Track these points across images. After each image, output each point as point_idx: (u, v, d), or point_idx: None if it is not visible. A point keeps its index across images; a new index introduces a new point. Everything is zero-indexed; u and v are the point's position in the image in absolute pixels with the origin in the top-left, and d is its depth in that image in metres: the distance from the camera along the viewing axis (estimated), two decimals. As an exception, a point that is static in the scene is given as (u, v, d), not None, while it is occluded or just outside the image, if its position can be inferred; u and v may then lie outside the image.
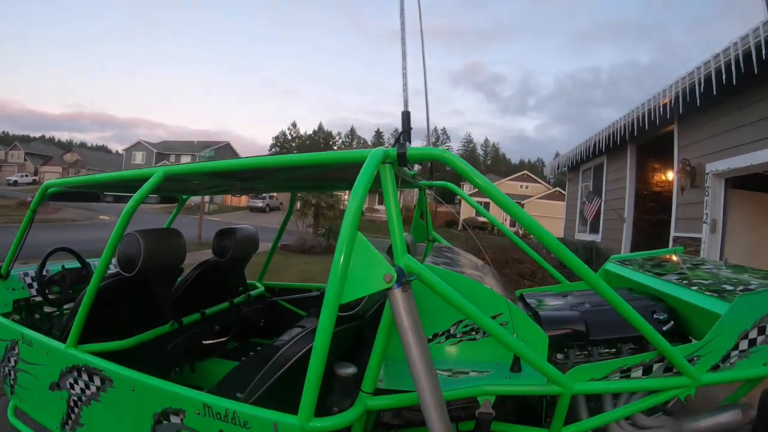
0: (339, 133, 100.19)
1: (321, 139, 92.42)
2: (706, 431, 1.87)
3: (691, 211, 5.99)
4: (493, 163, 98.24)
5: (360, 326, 1.97)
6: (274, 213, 36.62)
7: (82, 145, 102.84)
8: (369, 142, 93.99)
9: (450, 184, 3.16)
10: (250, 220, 25.86)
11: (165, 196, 3.71)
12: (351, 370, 1.60)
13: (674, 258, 2.91)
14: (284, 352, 1.76)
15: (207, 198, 40.31)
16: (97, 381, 1.89)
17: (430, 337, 1.83)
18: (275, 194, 40.45)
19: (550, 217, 30.77)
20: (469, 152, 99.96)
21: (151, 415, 1.70)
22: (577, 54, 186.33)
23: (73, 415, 2.04)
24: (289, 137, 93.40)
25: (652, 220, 7.87)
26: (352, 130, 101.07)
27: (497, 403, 1.73)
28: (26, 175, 52.94)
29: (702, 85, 5.11)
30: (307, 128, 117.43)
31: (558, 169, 11.33)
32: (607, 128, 7.82)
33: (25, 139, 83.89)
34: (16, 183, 48.04)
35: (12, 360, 2.36)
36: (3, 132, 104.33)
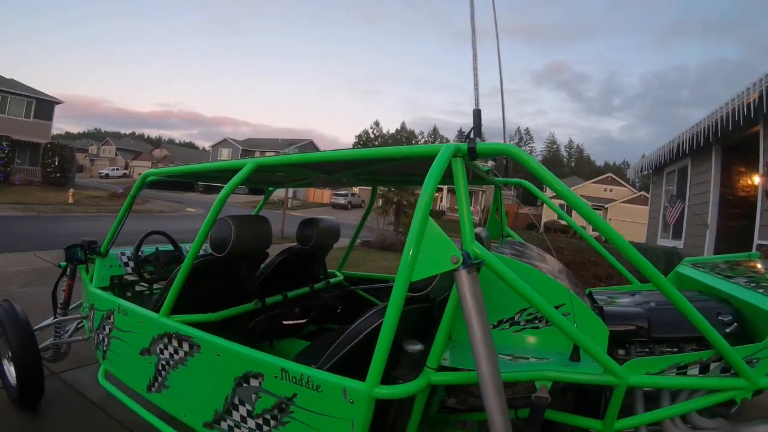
0: (422, 133, 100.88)
1: (404, 138, 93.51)
2: None
3: (777, 218, 5.62)
4: (578, 164, 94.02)
5: (430, 308, 2.05)
6: (355, 210, 37.56)
7: (170, 141, 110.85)
8: (452, 142, 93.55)
9: (526, 182, 3.20)
10: (332, 215, 26.78)
11: (252, 187, 4.08)
12: (418, 347, 1.68)
13: (749, 262, 2.82)
14: (356, 326, 1.86)
15: (290, 194, 42.15)
16: (185, 347, 2.15)
17: (495, 323, 1.92)
18: (357, 192, 41.47)
19: (634, 222, 29.18)
20: (552, 153, 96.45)
21: (233, 379, 1.92)
22: (663, 52, 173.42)
23: (160, 378, 2.33)
24: (372, 136, 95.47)
25: (737, 227, 7.39)
26: (435, 130, 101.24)
27: (558, 393, 1.85)
28: (117, 169, 57.61)
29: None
30: (389, 127, 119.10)
31: (641, 171, 10.84)
32: (691, 129, 7.45)
33: (117, 136, 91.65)
34: (107, 176, 52.39)
35: (107, 328, 2.76)
36: (95, 128, 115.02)
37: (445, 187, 42.72)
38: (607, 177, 47.36)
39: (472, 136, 1.69)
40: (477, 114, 1.75)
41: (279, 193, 37.47)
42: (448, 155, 1.59)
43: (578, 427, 1.88)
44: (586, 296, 2.33)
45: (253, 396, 1.86)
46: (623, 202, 38.97)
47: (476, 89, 1.74)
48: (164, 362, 2.28)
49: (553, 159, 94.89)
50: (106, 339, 2.79)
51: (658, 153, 9.11)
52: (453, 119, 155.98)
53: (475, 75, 1.77)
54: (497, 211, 3.33)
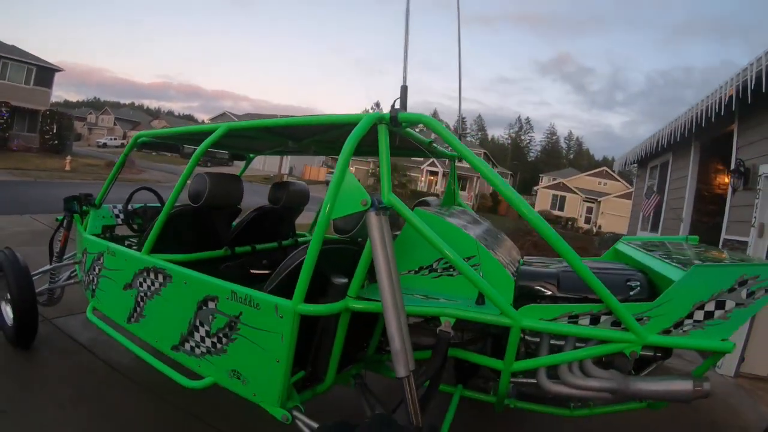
0: None
1: None
2: (653, 394, 2.00)
3: (742, 213, 5.91)
4: (576, 157, 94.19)
5: (356, 250, 2.28)
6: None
7: (170, 113, 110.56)
8: (451, 126, 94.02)
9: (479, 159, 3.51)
10: (322, 193, 26.86)
11: (232, 152, 4.41)
12: (343, 280, 2.00)
13: (682, 244, 3.04)
14: (290, 258, 2.19)
15: (286, 171, 42.37)
16: (160, 278, 2.50)
17: (416, 269, 2.23)
18: (353, 171, 41.66)
19: (626, 216, 29.63)
20: (552, 144, 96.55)
21: (195, 303, 2.28)
22: (670, 50, 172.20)
23: (138, 309, 2.69)
24: None
25: (711, 223, 7.69)
26: (435, 113, 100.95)
27: (476, 338, 2.12)
28: (115, 139, 57.25)
29: (763, 81, 5.02)
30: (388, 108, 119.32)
31: (626, 164, 11.13)
32: (671, 124, 7.69)
33: (116, 105, 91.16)
34: (105, 145, 52.05)
35: (97, 269, 3.12)
36: (95, 97, 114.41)
37: (440, 171, 43.08)
38: (602, 171, 47.69)
39: (396, 106, 1.96)
40: (404, 90, 2.00)
41: (271, 168, 37.45)
42: (369, 122, 1.94)
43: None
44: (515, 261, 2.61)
45: (210, 317, 2.22)
46: (616, 196, 39.30)
47: (405, 68, 2.00)
48: (142, 294, 2.64)
49: (552, 150, 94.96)
50: (95, 279, 3.14)
51: (641, 147, 9.37)
52: (454, 104, 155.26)
53: (405, 54, 2.01)
54: (452, 182, 3.66)
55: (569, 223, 36.53)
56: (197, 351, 2.32)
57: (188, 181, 2.68)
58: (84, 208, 3.65)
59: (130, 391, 3.07)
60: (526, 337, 2.12)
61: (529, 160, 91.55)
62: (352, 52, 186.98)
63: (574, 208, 41.77)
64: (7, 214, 8.92)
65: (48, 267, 3.82)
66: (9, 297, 3.45)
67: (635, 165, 10.73)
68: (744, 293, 1.84)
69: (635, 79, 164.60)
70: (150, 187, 4.27)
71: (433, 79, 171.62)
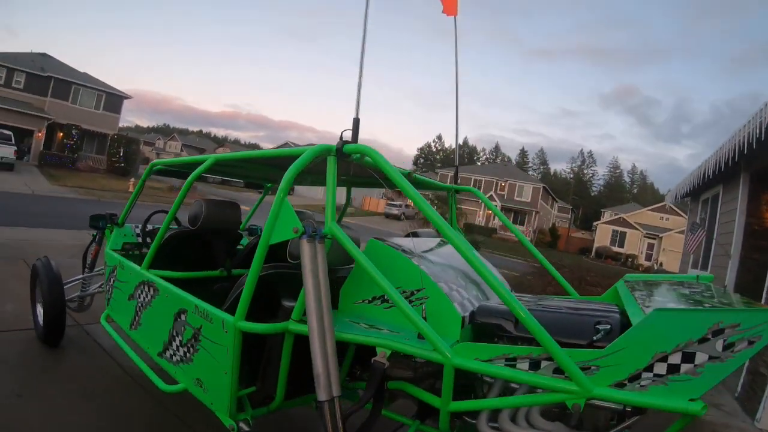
0: (483, 149, 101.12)
1: (465, 154, 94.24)
2: None
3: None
4: (640, 191, 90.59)
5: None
6: (409, 221, 38.25)
7: (236, 141, 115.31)
8: (513, 161, 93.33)
9: (476, 190, 3.61)
10: (384, 225, 27.20)
11: (249, 182, 4.72)
12: (291, 303, 2.08)
13: (689, 283, 2.72)
14: (242, 279, 2.35)
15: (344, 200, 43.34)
16: (152, 291, 2.84)
17: (370, 299, 2.22)
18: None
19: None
20: (615, 178, 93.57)
21: (173, 314, 2.58)
22: (736, 79, 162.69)
23: (137, 318, 3.05)
24: (434, 149, 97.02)
25: (761, 260, 7.32)
26: (497, 147, 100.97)
27: (426, 375, 2.06)
28: (179, 164, 60.86)
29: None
30: (452, 142, 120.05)
31: (677, 198, 10.74)
32: (716, 152, 7.47)
33: (184, 132, 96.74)
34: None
35: (112, 280, 3.55)
36: (165, 124, 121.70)
37: (498, 206, 42.68)
38: (664, 205, 45.66)
39: (344, 139, 2.10)
40: (355, 122, 2.16)
41: (337, 200, 38.33)
42: (314, 153, 2.06)
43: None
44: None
45: (183, 328, 2.51)
46: (678, 232, 37.50)
47: (358, 102, 2.18)
48: (140, 304, 3.00)
49: (615, 184, 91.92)
50: (110, 289, 3.56)
51: (690, 178, 9.04)
52: (517, 137, 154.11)
53: (359, 89, 2.19)
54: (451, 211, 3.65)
55: (629, 260, 35.12)
56: (174, 359, 2.63)
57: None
58: (108, 226, 4.08)
59: (134, 393, 3.41)
60: (485, 378, 2.02)
61: (592, 195, 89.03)
62: (412, 85, 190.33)
63: (635, 245, 40.25)
64: (66, 228, 9.81)
65: (79, 277, 4.27)
66: (41, 300, 3.91)
67: (687, 198, 10.34)
68: (719, 345, 1.57)
69: (700, 110, 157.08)
70: (165, 209, 4.61)
71: (494, 112, 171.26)
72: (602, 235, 42.40)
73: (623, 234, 41.57)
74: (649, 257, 38.26)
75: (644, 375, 1.63)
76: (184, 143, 76.75)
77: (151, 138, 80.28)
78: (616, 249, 39.30)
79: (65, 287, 4.04)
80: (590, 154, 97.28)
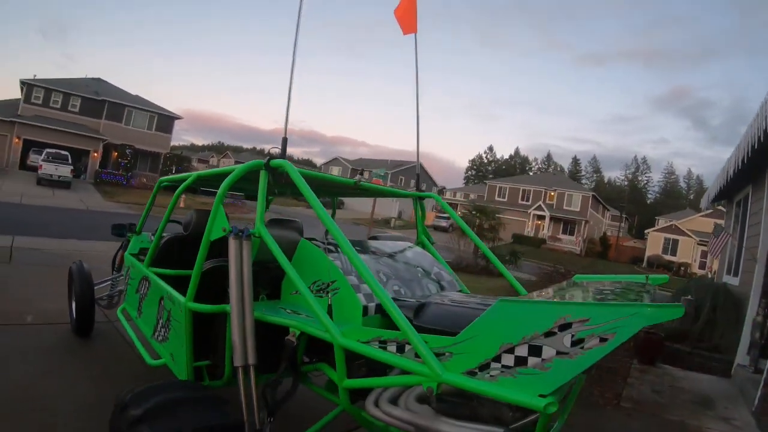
0: (535, 159, 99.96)
1: (517, 163, 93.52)
2: None
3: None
4: (696, 197, 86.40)
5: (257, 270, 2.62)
6: (456, 232, 38.65)
7: (289, 158, 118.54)
8: (565, 170, 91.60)
9: (436, 196, 3.96)
10: (432, 237, 27.26)
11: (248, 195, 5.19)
12: None
13: (631, 283, 2.62)
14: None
15: (395, 213, 44.40)
16: (147, 284, 3.44)
17: (308, 286, 2.42)
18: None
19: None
20: (671, 184, 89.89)
21: (157, 301, 3.15)
22: None
23: (140, 307, 3.64)
24: (485, 161, 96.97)
25: (787, 263, 7.18)
26: (549, 156, 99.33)
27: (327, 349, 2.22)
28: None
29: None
30: (503, 153, 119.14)
31: (710, 201, 10.53)
32: (736, 148, 7.40)
33: (238, 150, 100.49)
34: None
35: (127, 278, 4.19)
36: (219, 142, 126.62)
37: (547, 216, 42.18)
38: (717, 211, 43.39)
39: (272, 154, 2.53)
40: (284, 141, 2.58)
41: (384, 211, 39.13)
42: (247, 168, 2.53)
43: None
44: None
45: (164, 312, 3.05)
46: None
47: (286, 121, 2.60)
48: (141, 296, 3.61)
49: (671, 190, 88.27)
50: (126, 286, 4.20)
51: (718, 179, 8.91)
52: (570, 146, 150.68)
53: (288, 108, 2.62)
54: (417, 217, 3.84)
55: (681, 268, 33.77)
56: (159, 338, 3.17)
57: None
58: (129, 234, 4.73)
59: (149, 376, 3.93)
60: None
61: (648, 203, 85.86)
62: (465, 96, 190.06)
63: (688, 252, 38.60)
64: (113, 240, 10.75)
65: (108, 278, 4.94)
66: (75, 297, 4.58)
67: (722, 199, 10.14)
68: (567, 340, 1.54)
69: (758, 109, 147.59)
70: (178, 220, 5.20)
71: (546, 121, 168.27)
72: (654, 243, 40.91)
73: (675, 242, 39.95)
74: (702, 265, 36.57)
75: (493, 365, 1.67)
76: (236, 160, 79.95)
77: (206, 156, 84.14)
78: (668, 257, 37.87)
79: (96, 287, 4.72)
80: (644, 160, 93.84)
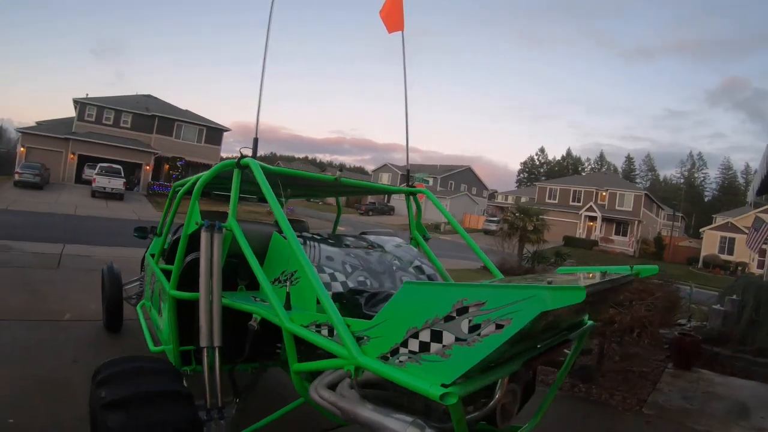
0: (588, 159, 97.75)
1: (569, 165, 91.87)
2: (367, 424, 1.77)
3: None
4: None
5: (235, 262, 2.85)
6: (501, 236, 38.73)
7: (341, 166, 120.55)
8: (619, 169, 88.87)
9: (427, 191, 3.93)
10: (479, 241, 27.28)
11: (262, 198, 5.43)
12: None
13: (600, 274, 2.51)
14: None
15: (444, 219, 44.41)
16: (156, 277, 3.72)
17: (272, 280, 2.58)
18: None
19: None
20: (729, 181, 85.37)
21: (158, 292, 3.51)
22: None
23: (152, 301, 3.95)
24: (537, 162, 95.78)
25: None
26: (602, 156, 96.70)
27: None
28: (281, 190, 66.13)
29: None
30: (555, 154, 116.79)
31: (755, 193, 10.04)
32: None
33: (289, 159, 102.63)
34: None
35: (146, 277, 4.53)
36: (272, 152, 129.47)
37: (599, 216, 41.01)
38: None
39: (245, 155, 2.68)
40: (255, 141, 2.80)
41: (433, 217, 39.23)
42: (221, 167, 2.77)
43: None
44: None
45: (161, 302, 3.35)
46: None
47: (257, 121, 2.83)
48: (152, 290, 3.95)
49: (728, 187, 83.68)
50: (145, 283, 4.57)
51: (759, 169, 8.55)
52: (623, 144, 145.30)
53: (258, 109, 2.82)
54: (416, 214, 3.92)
55: (739, 268, 31.87)
56: (160, 326, 3.44)
57: None
58: (151, 235, 5.07)
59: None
60: None
61: (705, 200, 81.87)
62: (514, 98, 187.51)
63: (745, 251, 36.33)
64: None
65: (137, 278, 5.30)
66: (104, 296, 4.98)
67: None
68: (465, 325, 1.51)
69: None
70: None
71: (598, 120, 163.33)
72: (710, 242, 38.57)
73: (732, 240, 37.53)
74: (761, 264, 34.35)
75: (401, 350, 1.66)
76: (322, 170, 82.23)
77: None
78: (724, 257, 35.78)
79: (126, 287, 5.09)
80: (699, 156, 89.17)
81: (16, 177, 25.93)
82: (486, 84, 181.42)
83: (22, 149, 31.46)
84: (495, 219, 39.81)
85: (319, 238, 2.96)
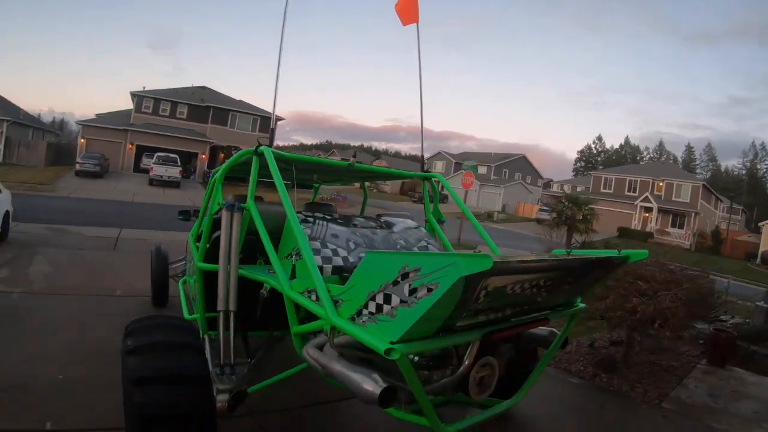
0: (646, 148, 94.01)
1: (627, 154, 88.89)
2: (339, 378, 2.03)
3: None
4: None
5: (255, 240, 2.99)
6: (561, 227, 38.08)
7: (397, 154, 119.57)
8: (679, 159, 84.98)
9: (440, 176, 4.18)
10: (531, 230, 26.96)
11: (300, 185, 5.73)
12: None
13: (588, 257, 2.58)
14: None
15: (499, 207, 44.53)
16: (191, 253, 4.15)
17: (285, 256, 2.82)
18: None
19: None
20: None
21: (192, 266, 3.81)
22: None
23: (191, 272, 4.16)
24: (594, 151, 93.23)
25: None
26: (661, 145, 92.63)
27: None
28: (337, 177, 67.17)
29: None
30: (613, 142, 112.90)
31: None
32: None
33: (345, 147, 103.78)
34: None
35: (188, 255, 4.89)
36: (327, 141, 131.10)
37: (655, 208, 39.45)
38: None
39: (262, 144, 3.00)
40: (272, 131, 3.11)
41: (488, 205, 38.92)
42: (242, 154, 3.11)
43: None
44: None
45: (193, 273, 3.66)
46: None
47: (273, 111, 3.07)
48: (187, 263, 4.41)
49: None
50: (187, 262, 4.94)
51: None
52: (684, 133, 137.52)
53: (275, 98, 3.06)
54: (431, 198, 4.09)
55: None
56: (194, 297, 3.73)
57: None
58: (193, 218, 5.53)
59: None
60: None
61: (768, 192, 76.80)
62: (572, 85, 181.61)
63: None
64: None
65: (181, 258, 5.80)
66: (152, 274, 5.52)
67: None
68: (406, 289, 1.76)
69: None
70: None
71: (658, 108, 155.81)
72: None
73: None
74: None
75: (364, 312, 1.92)
76: (342, 157, 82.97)
77: (313, 154, 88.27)
78: None
79: (172, 266, 5.60)
80: (763, 146, 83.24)
81: (77, 167, 27.38)
82: (544, 71, 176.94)
83: (82, 141, 33.25)
84: (547, 209, 39.24)
85: (329, 218, 3.22)
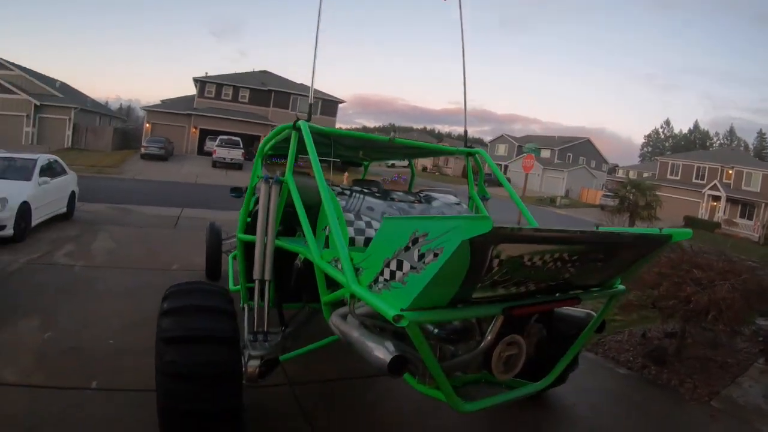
0: (716, 134, 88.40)
1: (696, 139, 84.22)
2: (354, 345, 2.06)
3: None
4: None
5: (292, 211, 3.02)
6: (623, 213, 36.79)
7: (459, 137, 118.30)
8: (750, 146, 79.51)
9: (483, 152, 4.05)
10: (593, 216, 26.15)
11: (346, 162, 5.88)
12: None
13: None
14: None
15: (562, 192, 43.74)
16: None
17: (323, 228, 2.87)
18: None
19: None
20: None
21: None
22: None
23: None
24: (662, 136, 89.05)
25: None
26: (731, 131, 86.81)
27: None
28: (402, 158, 67.39)
29: None
30: (682, 127, 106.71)
31: None
32: None
33: (407, 130, 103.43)
34: (393, 165, 61.63)
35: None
36: (390, 123, 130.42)
37: (723, 196, 36.97)
38: None
39: (302, 120, 3.05)
40: (310, 107, 3.16)
41: (551, 190, 37.63)
42: (281, 129, 3.19)
43: None
44: None
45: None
46: None
47: (311, 90, 3.22)
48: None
49: None
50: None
51: None
52: (756, 119, 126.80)
53: (312, 80, 3.15)
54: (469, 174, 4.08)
55: None
56: (238, 269, 3.91)
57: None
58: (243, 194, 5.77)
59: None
60: None
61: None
62: (640, 68, 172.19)
63: None
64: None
65: (233, 234, 6.11)
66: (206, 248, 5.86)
67: None
68: (416, 254, 1.72)
69: None
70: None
71: (730, 91, 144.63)
72: None
73: None
74: None
75: (380, 279, 1.90)
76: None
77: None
78: None
79: (225, 241, 5.93)
80: None
81: (143, 150, 28.74)
82: (611, 52, 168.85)
83: (147, 125, 34.74)
84: (612, 194, 37.88)
85: (367, 192, 3.28)
